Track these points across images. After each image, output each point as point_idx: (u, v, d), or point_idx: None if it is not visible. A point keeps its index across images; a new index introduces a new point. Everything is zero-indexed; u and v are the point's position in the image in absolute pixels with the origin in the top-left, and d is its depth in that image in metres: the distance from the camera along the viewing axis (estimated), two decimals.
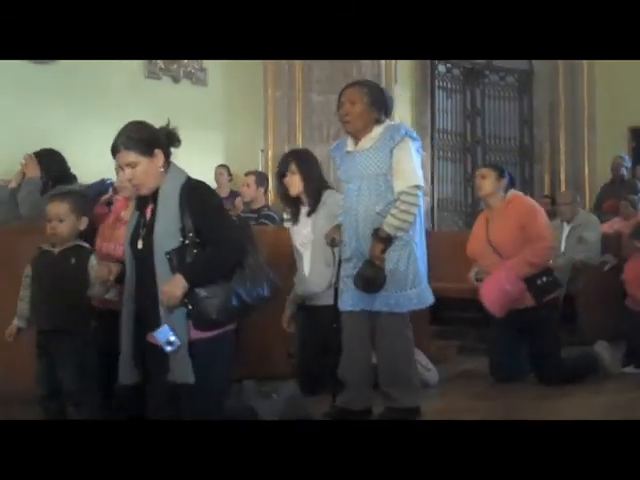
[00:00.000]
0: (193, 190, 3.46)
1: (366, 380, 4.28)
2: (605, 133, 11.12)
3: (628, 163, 9.96)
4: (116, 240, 4.06)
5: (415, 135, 4.23)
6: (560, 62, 11.32)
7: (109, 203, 4.45)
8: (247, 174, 6.75)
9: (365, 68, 8.51)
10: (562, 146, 11.42)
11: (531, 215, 5.20)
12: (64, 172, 5.35)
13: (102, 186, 4.82)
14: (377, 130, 4.17)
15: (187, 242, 3.38)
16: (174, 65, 8.91)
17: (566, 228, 7.51)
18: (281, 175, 4.97)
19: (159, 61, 8.78)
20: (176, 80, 8.97)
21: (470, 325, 6.49)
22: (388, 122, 4.24)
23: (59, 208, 3.86)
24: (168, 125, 3.57)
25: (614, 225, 8.25)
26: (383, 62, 8.87)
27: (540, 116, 11.53)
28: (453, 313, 6.46)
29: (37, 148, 5.44)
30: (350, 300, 4.21)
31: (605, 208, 9.07)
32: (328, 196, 4.83)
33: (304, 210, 4.93)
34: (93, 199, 4.53)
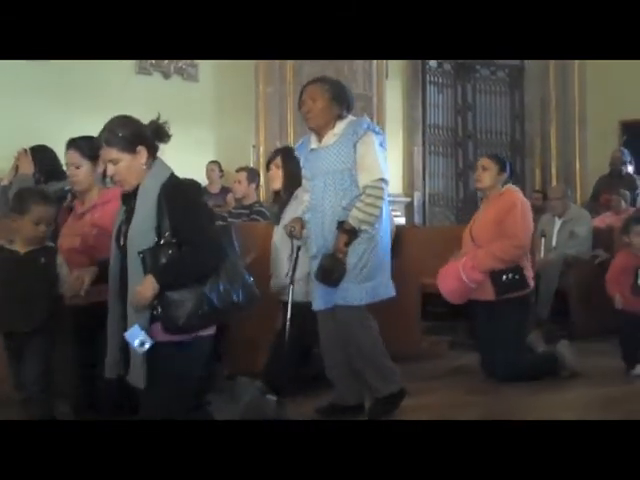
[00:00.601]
0: (174, 188, 3.39)
1: (352, 375, 4.28)
2: (596, 127, 11.12)
3: (627, 157, 9.90)
4: (74, 233, 4.03)
5: (378, 129, 4.25)
6: None
7: (71, 209, 4.34)
8: (238, 170, 6.73)
9: (356, 64, 8.52)
10: (553, 141, 11.43)
11: (510, 211, 5.18)
12: (56, 168, 5.33)
13: (61, 193, 4.72)
14: (340, 126, 4.18)
15: (162, 242, 3.30)
16: (165, 61, 8.88)
17: (557, 222, 7.53)
18: (268, 169, 5.04)
19: None
20: (167, 76, 8.94)
21: (461, 320, 6.50)
22: (350, 117, 4.24)
23: (47, 212, 3.79)
24: (158, 119, 3.52)
25: (606, 219, 8.27)
26: None
27: (531, 111, 11.54)
28: (444, 309, 6.46)
29: (28, 145, 5.41)
30: (320, 299, 4.22)
31: (602, 201, 9.05)
32: (299, 191, 4.76)
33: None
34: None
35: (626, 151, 9.94)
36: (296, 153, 4.47)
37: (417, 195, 10.59)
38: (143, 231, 3.32)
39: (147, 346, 3.24)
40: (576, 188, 10.92)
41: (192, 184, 3.56)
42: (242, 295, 3.41)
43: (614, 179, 9.55)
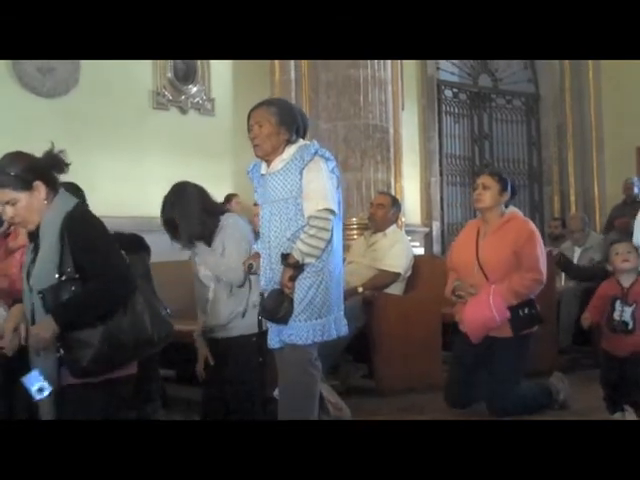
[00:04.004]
0: (76, 220, 3.16)
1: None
2: (613, 153, 11.12)
3: (637, 183, 9.84)
4: (3, 271, 3.81)
5: (328, 155, 3.88)
6: (566, 84, 11.37)
7: (7, 236, 4.07)
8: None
9: (372, 95, 8.52)
10: (571, 167, 11.44)
11: (527, 242, 4.79)
12: None
13: None
14: (289, 151, 3.86)
15: (64, 278, 3.06)
16: (182, 96, 8.94)
17: (577, 251, 7.51)
18: (169, 223, 4.54)
19: (167, 92, 8.81)
20: (184, 111, 9.00)
21: None
22: (301, 142, 3.92)
23: None
24: (52, 150, 3.27)
25: None
26: (390, 89, 8.89)
27: (548, 138, 11.56)
28: None
29: None
30: (276, 337, 3.87)
31: (617, 225, 9.01)
32: (225, 220, 4.55)
33: (200, 243, 4.53)
34: None
35: (635, 179, 9.87)
36: (249, 176, 4.18)
37: (435, 225, 10.58)
38: (46, 268, 3.10)
39: (46, 393, 2.99)
40: (595, 214, 10.90)
41: (92, 215, 3.30)
42: (155, 329, 3.17)
43: (628, 206, 9.52)
